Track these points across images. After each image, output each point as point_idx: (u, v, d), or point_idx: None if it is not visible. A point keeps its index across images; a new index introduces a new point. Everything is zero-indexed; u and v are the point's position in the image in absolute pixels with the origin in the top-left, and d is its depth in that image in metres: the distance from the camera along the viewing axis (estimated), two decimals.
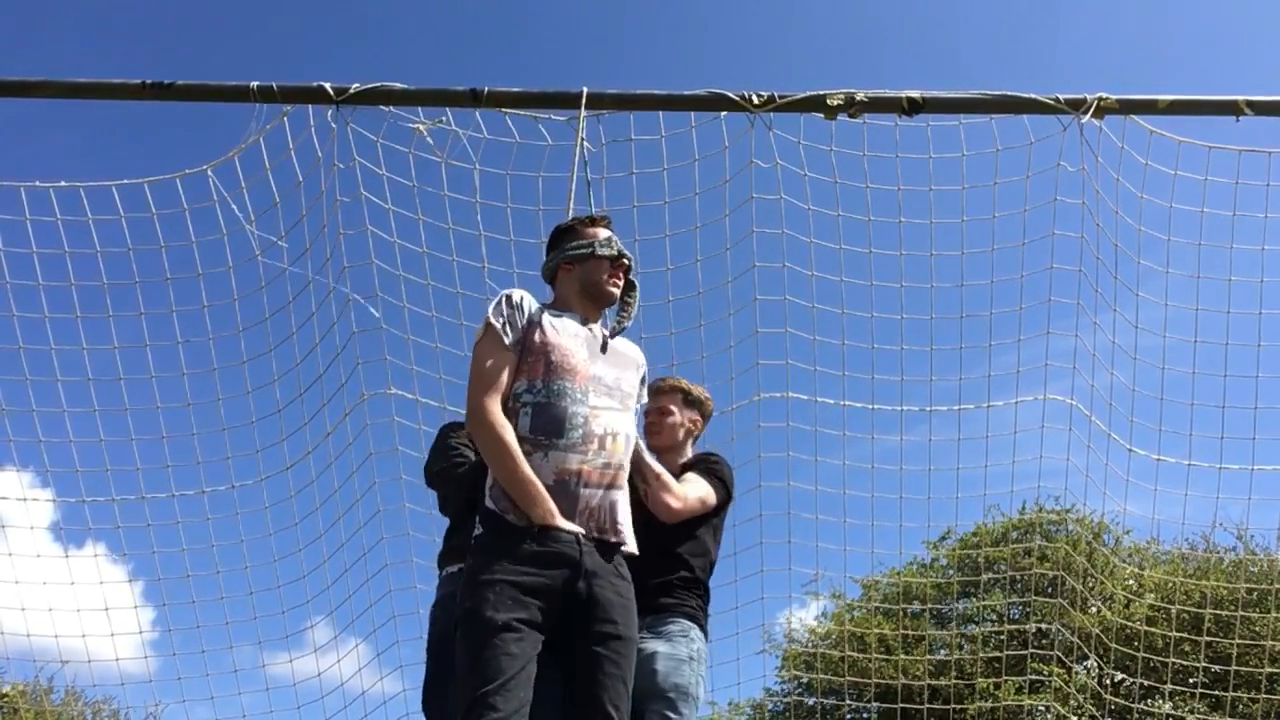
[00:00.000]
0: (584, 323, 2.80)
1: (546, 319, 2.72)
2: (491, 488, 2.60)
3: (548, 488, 2.53)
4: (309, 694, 5.19)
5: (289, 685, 5.18)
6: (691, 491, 3.19)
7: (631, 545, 2.65)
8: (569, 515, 2.54)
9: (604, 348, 2.79)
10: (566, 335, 2.72)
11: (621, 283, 2.88)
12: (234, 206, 4.56)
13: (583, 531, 2.53)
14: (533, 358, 2.66)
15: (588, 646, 2.49)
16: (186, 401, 4.95)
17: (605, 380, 2.72)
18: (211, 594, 5.18)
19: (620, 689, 2.50)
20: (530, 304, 2.74)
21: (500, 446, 2.53)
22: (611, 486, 2.62)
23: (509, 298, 2.72)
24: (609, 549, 2.57)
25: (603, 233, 2.90)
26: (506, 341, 2.66)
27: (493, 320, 2.68)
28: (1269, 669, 6.72)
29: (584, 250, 2.85)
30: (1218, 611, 7.37)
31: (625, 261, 2.89)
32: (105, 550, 5.33)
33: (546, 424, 2.59)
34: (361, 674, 5.16)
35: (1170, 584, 9.72)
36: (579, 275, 2.84)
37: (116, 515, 5.05)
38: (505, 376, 2.63)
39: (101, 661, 5.31)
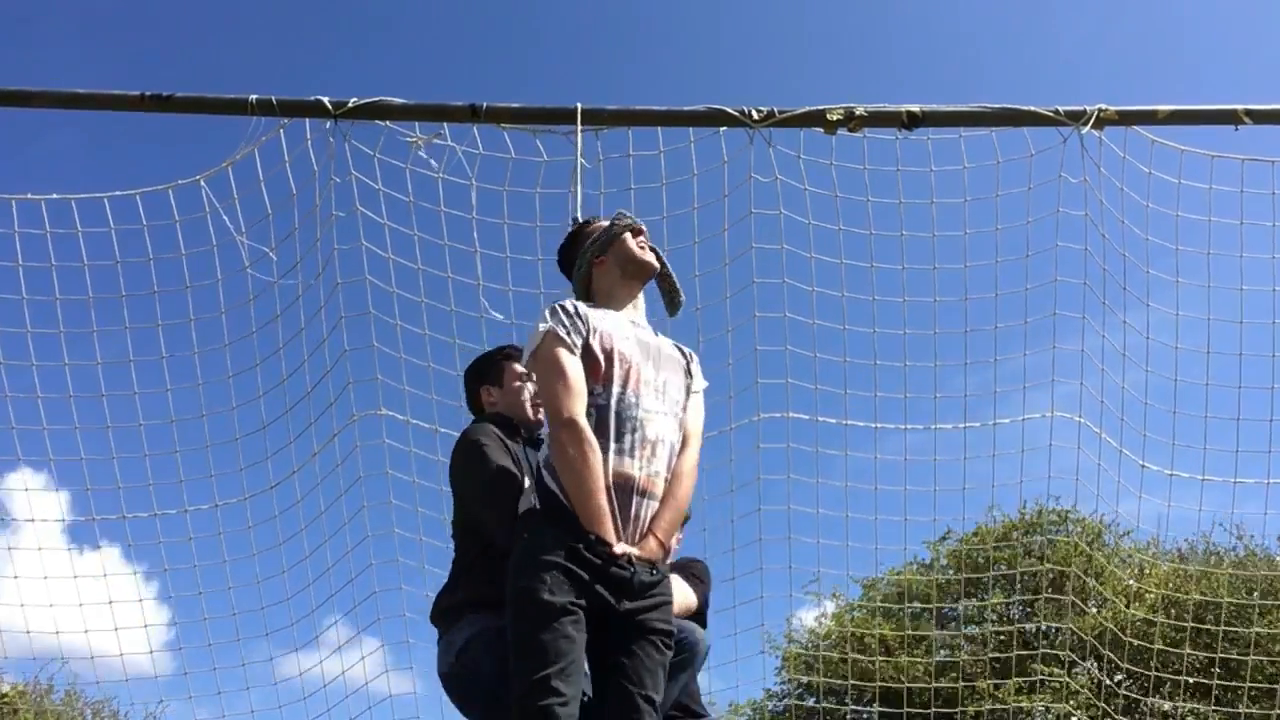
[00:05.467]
0: (633, 324, 2.80)
1: (602, 323, 2.70)
2: (548, 465, 2.58)
3: (604, 489, 2.50)
4: (294, 716, 5.08)
5: (275, 708, 5.09)
6: None
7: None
8: (624, 519, 2.53)
9: (651, 348, 2.77)
10: (619, 338, 2.70)
11: (650, 250, 2.89)
12: (225, 218, 4.51)
13: (636, 552, 2.51)
14: (592, 361, 2.63)
15: (632, 638, 2.48)
16: (170, 418, 4.85)
17: (654, 384, 2.70)
18: (194, 615, 5.09)
19: (660, 678, 2.50)
20: (584, 309, 2.71)
21: (586, 464, 2.49)
22: (657, 496, 2.62)
23: (564, 307, 2.70)
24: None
25: (604, 221, 2.95)
26: (576, 349, 2.63)
27: (555, 329, 2.63)
28: (1270, 669, 6.73)
29: (605, 237, 2.89)
30: (1218, 613, 7.36)
31: (643, 228, 2.91)
32: (92, 566, 5.23)
33: (605, 428, 2.57)
34: (348, 701, 5.03)
35: (1171, 585, 9.72)
36: (614, 259, 2.86)
37: (96, 534, 4.98)
38: (584, 383, 2.59)
39: (106, 658, 5.21)
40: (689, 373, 2.88)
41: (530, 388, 3.30)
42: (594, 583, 2.44)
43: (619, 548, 2.48)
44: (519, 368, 3.31)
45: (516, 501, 2.89)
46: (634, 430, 2.59)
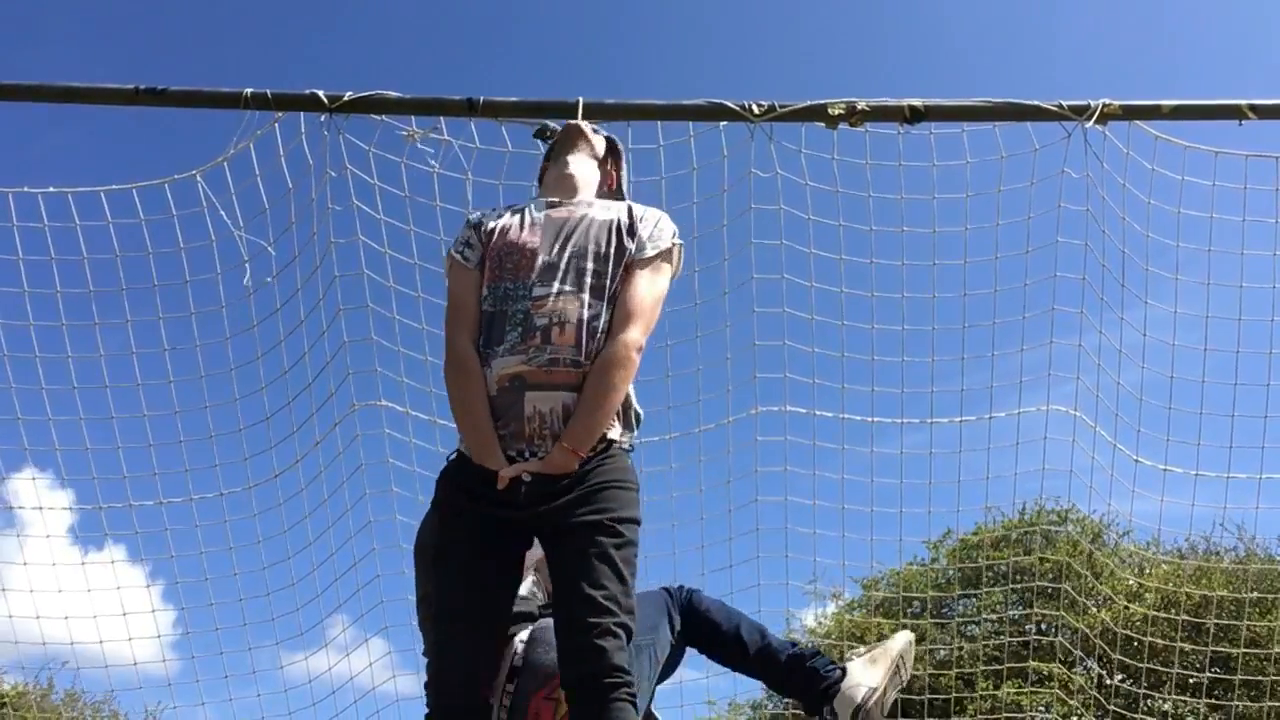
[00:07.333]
0: (547, 203, 2.65)
1: (505, 219, 2.62)
2: None
3: (491, 398, 2.36)
4: (300, 700, 5.16)
5: (280, 691, 5.16)
6: None
7: (610, 432, 2.40)
8: (517, 425, 2.34)
9: (567, 224, 2.56)
10: (515, 226, 2.57)
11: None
12: (223, 213, 4.48)
13: (516, 471, 2.28)
14: (485, 266, 2.55)
15: (561, 538, 2.30)
16: (174, 409, 4.87)
17: (555, 262, 2.47)
18: (201, 600, 5.14)
19: (603, 568, 2.23)
20: (486, 214, 2.67)
21: (452, 393, 2.42)
22: (563, 386, 2.35)
23: (466, 222, 2.68)
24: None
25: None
26: (469, 265, 2.57)
27: (451, 249, 2.62)
28: (1271, 669, 6.69)
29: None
30: (1219, 612, 7.35)
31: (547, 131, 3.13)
32: (99, 555, 5.27)
33: (492, 332, 2.43)
34: (353, 684, 5.10)
35: (1171, 584, 9.69)
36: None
37: (103, 523, 4.99)
38: (471, 300, 2.51)
39: (114, 643, 5.25)
40: (628, 237, 2.56)
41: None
42: (486, 506, 2.30)
43: (503, 473, 2.27)
44: None
45: None
46: (520, 323, 2.39)
